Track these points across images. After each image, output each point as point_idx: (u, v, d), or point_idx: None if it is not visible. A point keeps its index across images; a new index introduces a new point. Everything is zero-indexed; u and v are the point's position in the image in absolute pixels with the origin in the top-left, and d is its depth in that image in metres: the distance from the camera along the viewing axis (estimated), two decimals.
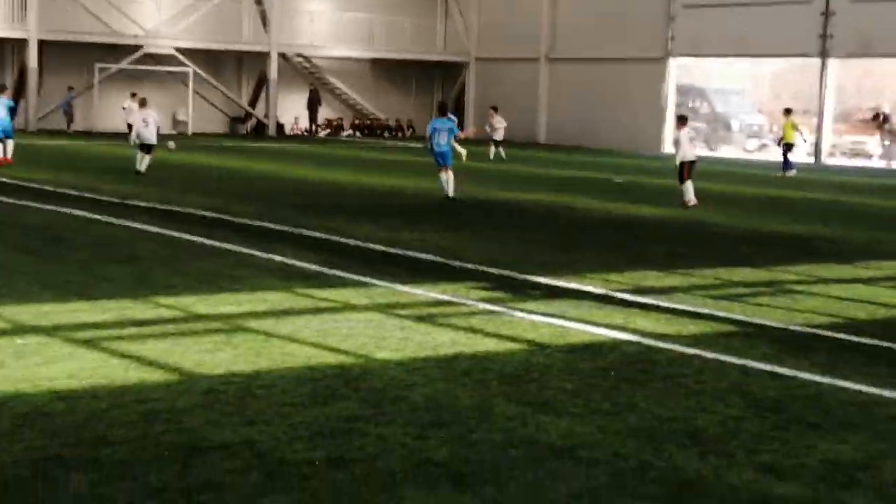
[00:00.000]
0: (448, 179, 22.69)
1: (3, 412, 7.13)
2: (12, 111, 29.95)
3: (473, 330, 10.20)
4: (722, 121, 51.65)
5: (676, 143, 23.75)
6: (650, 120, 48.77)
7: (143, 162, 26.98)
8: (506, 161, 35.94)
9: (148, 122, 27.23)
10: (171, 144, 29.50)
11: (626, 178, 31.59)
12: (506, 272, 13.58)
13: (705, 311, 11.53)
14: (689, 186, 23.65)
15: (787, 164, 35.20)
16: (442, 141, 22.47)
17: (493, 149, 37.46)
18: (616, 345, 9.78)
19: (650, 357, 9.36)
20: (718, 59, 50.66)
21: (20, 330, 9.54)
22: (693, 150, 23.98)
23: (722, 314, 11.38)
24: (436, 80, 59.42)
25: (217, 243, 15.15)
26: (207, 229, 16.65)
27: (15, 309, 10.41)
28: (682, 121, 24.20)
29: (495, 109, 38.67)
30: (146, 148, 27.13)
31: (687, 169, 23.52)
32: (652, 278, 13.59)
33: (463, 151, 23.33)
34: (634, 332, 10.34)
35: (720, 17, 45.99)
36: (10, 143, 29.39)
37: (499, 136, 37.82)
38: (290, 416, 7.24)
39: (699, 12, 46.78)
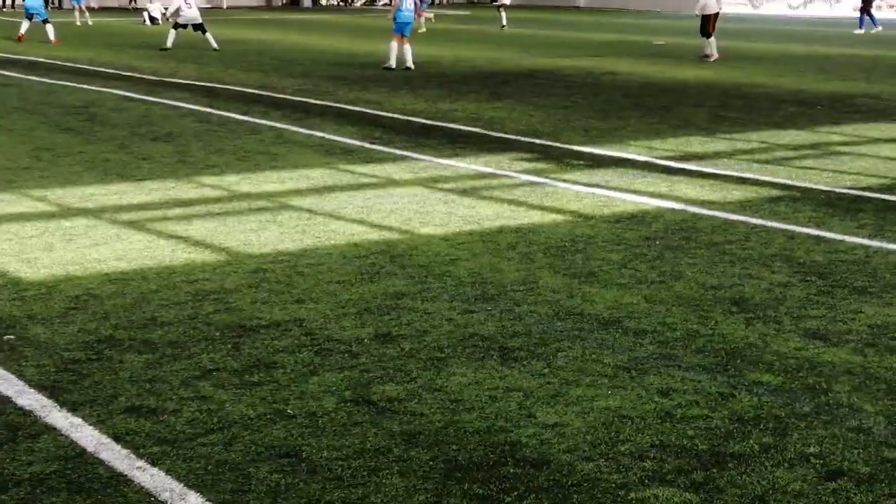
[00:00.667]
0: (407, 51, 22.57)
1: (54, 295, 7.23)
2: None
3: (517, 202, 10.18)
4: None
5: None
6: None
7: (171, 39, 27.17)
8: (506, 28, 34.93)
9: (191, 3, 27.31)
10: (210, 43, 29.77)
11: (666, 39, 31.07)
12: (548, 142, 13.49)
13: (750, 175, 11.43)
14: (712, 40, 23.40)
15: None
16: (409, 9, 22.18)
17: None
18: (660, 213, 9.74)
19: (695, 225, 9.31)
20: None
21: (67, 213, 9.62)
22: (716, 2, 23.63)
23: (767, 178, 11.28)
24: None
25: (256, 119, 15.12)
26: (246, 105, 16.62)
27: (60, 192, 10.49)
28: None
29: None
30: (198, 27, 27.37)
31: (711, 21, 23.19)
32: (696, 144, 13.46)
33: (431, 16, 23.18)
34: (679, 199, 10.27)
35: None
36: (50, 27, 29.49)
37: None
38: (337, 293, 7.29)
39: None
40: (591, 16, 43.04)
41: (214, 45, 27.11)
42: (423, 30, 29.79)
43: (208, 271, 7.81)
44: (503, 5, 35.94)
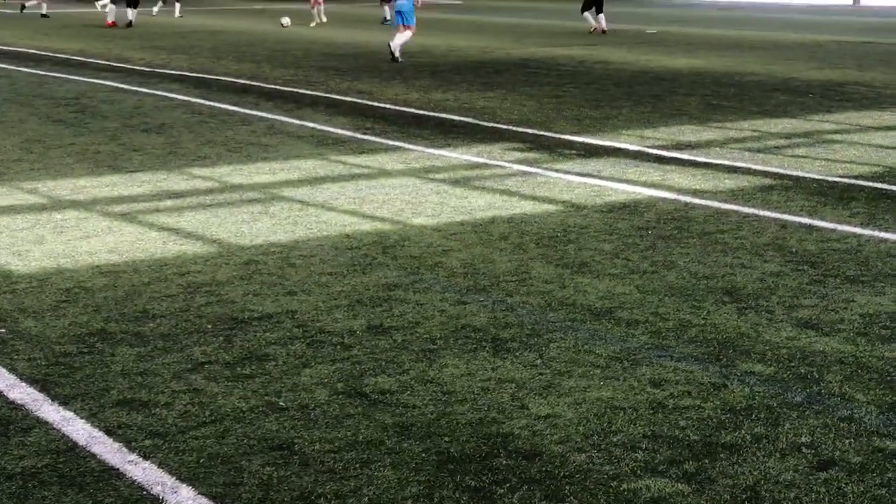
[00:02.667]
0: (401, 35, 21.80)
1: (46, 288, 7.21)
2: None
3: (509, 192, 10.17)
4: None
5: None
6: None
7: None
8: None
9: None
10: (286, 21, 29.96)
11: (658, 28, 31.07)
12: (540, 132, 13.48)
13: (742, 164, 11.43)
14: (587, 15, 25.41)
15: None
16: None
17: None
18: (653, 203, 9.74)
19: (687, 214, 9.31)
20: None
21: (58, 205, 9.60)
22: None
23: (759, 167, 11.28)
24: None
25: (247, 110, 15.10)
26: (237, 96, 16.59)
27: (51, 184, 10.47)
28: None
29: None
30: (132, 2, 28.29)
31: None
32: (688, 132, 13.46)
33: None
34: (671, 189, 10.28)
35: None
36: (132, 11, 30.10)
37: None
38: (329, 285, 7.29)
39: None
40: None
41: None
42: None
43: (200, 263, 7.80)
44: None
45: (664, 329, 6.39)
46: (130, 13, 30.56)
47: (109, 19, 30.55)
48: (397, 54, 21.64)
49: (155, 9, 30.47)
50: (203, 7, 41.72)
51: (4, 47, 24.83)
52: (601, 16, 28.66)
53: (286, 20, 30.35)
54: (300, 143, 12.63)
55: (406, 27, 21.86)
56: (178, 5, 36.16)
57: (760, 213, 9.29)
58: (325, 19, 32.98)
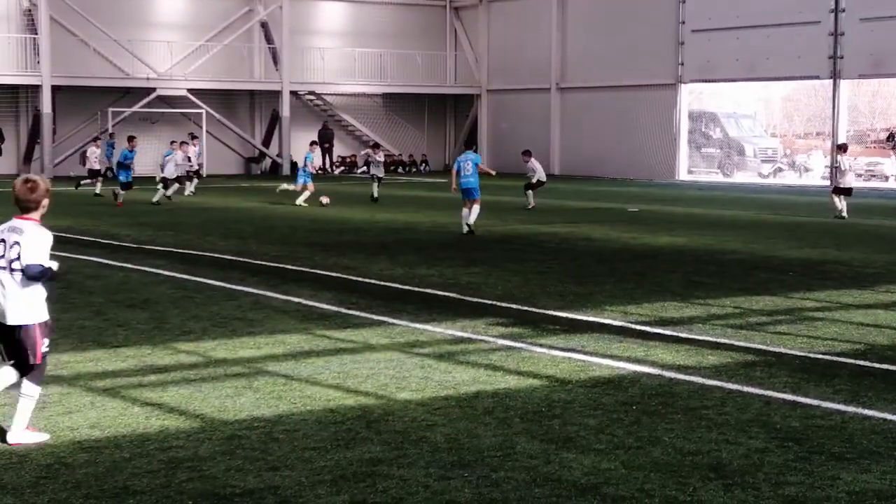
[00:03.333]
0: (472, 211, 22.98)
1: (25, 464, 7.14)
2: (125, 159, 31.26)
3: (494, 367, 10.19)
4: (735, 146, 51.65)
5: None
6: (663, 147, 48.76)
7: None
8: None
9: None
10: (325, 199, 30.73)
11: (640, 207, 31.58)
12: (524, 307, 13.57)
13: (725, 340, 11.50)
14: (529, 194, 30.21)
15: None
16: (468, 174, 22.71)
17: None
18: (637, 378, 9.76)
19: (671, 390, 9.33)
20: (729, 83, 50.70)
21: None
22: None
23: (742, 344, 11.34)
24: (448, 114, 59.62)
25: (233, 286, 15.18)
26: (223, 272, 16.70)
27: None
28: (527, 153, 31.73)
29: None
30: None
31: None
32: (671, 309, 13.56)
33: (492, 171, 25.53)
34: (655, 364, 10.31)
35: (729, 40, 45.99)
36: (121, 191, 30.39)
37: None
38: (312, 460, 7.23)
39: (707, 36, 46.82)
40: (566, 183, 43.76)
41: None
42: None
43: (182, 438, 7.74)
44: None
45: None
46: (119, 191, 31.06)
47: (119, 200, 30.98)
48: (471, 222, 22.89)
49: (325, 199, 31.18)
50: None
51: None
52: (529, 192, 31.05)
53: (325, 199, 31.27)
54: (285, 318, 12.68)
55: (473, 201, 22.88)
56: (189, 183, 36.01)
57: (744, 389, 9.31)
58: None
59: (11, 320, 7.52)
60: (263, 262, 17.95)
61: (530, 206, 30.31)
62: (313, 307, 13.46)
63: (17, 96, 48.79)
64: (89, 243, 21.01)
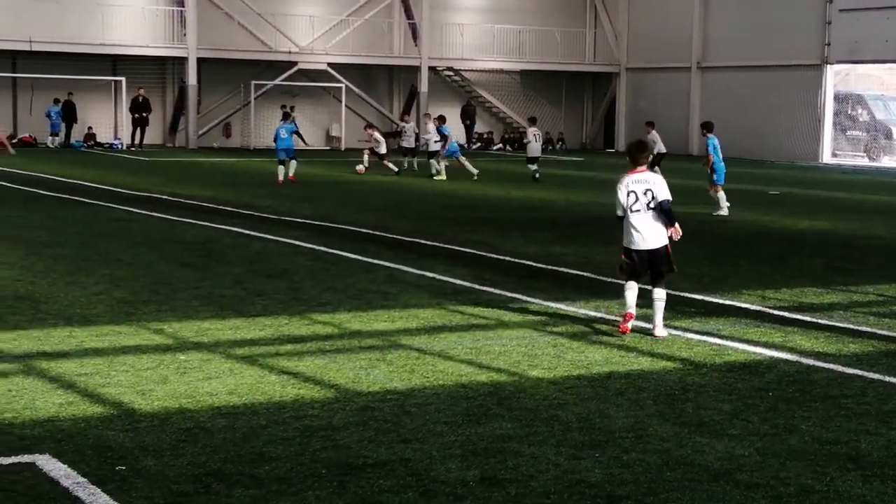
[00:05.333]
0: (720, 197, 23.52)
1: (166, 427, 7.34)
2: (297, 134, 31.14)
3: (627, 348, 10.11)
4: (882, 129, 50.12)
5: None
6: (807, 129, 47.58)
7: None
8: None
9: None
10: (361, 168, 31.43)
11: (781, 189, 30.93)
12: None
13: (867, 329, 11.20)
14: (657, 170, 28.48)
15: None
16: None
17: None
18: (774, 364, 9.58)
19: (809, 377, 9.13)
20: (877, 64, 49.21)
21: (183, 346, 9.82)
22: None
23: (885, 332, 11.04)
24: (585, 92, 59.12)
25: (369, 259, 15.34)
26: (360, 245, 16.88)
27: (177, 325, 10.72)
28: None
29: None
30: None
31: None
32: (810, 294, 13.26)
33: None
34: (793, 350, 10.11)
35: (879, 21, 44.56)
36: (294, 164, 29.94)
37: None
38: (443, 434, 7.28)
39: (856, 16, 45.46)
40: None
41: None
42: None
43: (317, 408, 7.87)
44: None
45: (785, 494, 6.23)
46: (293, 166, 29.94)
47: (279, 177, 29.83)
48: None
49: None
50: (328, 157, 42.86)
51: (140, 193, 25.73)
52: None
53: (361, 168, 31.96)
54: (419, 293, 12.76)
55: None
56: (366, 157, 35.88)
57: (886, 379, 9.07)
58: (366, 166, 33.92)
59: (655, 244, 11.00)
60: (398, 237, 18.09)
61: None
62: (447, 282, 13.52)
63: (164, 68, 49.94)
64: (230, 213, 21.44)
